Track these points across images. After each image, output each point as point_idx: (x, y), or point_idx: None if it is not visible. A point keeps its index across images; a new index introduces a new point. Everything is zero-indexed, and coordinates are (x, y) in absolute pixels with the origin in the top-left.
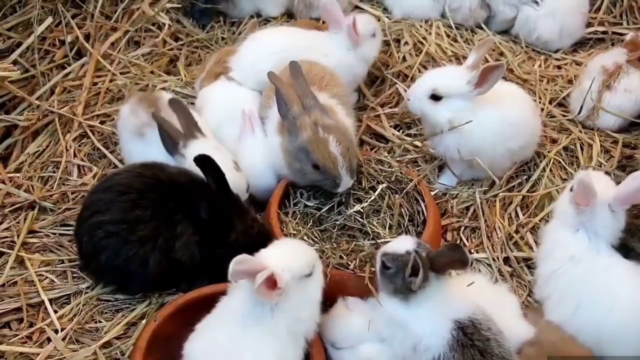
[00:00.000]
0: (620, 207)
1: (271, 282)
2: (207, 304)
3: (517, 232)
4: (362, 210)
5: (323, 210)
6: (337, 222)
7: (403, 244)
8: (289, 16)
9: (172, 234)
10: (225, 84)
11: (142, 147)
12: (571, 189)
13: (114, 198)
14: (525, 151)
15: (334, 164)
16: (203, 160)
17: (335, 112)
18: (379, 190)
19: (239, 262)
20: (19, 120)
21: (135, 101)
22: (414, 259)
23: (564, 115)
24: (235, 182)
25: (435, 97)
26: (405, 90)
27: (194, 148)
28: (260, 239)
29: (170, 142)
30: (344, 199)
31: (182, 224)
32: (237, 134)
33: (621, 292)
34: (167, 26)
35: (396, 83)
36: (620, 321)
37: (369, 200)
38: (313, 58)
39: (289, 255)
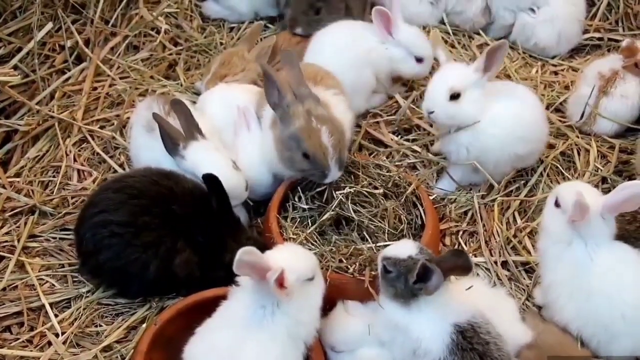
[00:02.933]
0: (610, 215)
1: (278, 281)
2: (207, 308)
3: (515, 236)
4: (351, 192)
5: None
6: (332, 213)
7: (404, 248)
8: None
9: (174, 247)
10: (224, 89)
11: (150, 142)
12: (556, 204)
13: (125, 200)
14: (529, 158)
15: (324, 154)
16: (210, 179)
17: (330, 106)
18: (380, 190)
19: (246, 253)
20: (19, 125)
21: (153, 98)
22: (423, 266)
23: (561, 121)
24: (234, 180)
25: (454, 96)
26: (405, 99)
27: (194, 150)
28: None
29: (171, 143)
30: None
31: (182, 241)
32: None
33: (627, 280)
34: (164, 30)
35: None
36: (628, 311)
37: (359, 187)
38: None
39: (293, 258)
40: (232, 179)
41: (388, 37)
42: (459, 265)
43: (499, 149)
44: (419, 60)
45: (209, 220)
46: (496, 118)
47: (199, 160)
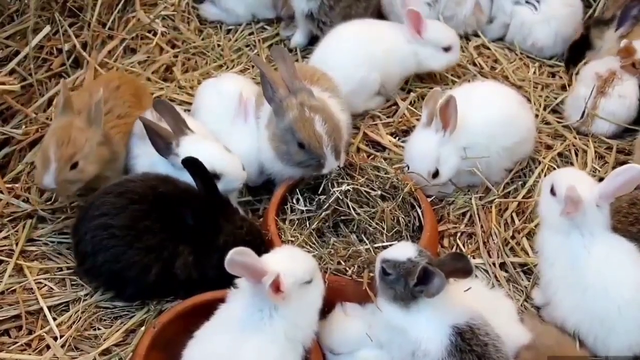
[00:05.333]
0: (606, 203)
1: (274, 286)
2: (205, 311)
3: (513, 237)
4: (349, 189)
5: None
6: (328, 211)
7: (404, 250)
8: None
9: (175, 251)
10: (222, 80)
11: (145, 149)
12: (551, 192)
13: (126, 204)
14: (522, 147)
15: (319, 142)
16: (190, 163)
17: (325, 100)
18: (377, 192)
19: (238, 253)
20: (17, 133)
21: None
22: (425, 269)
23: (558, 122)
24: (231, 161)
25: (435, 174)
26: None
27: (187, 145)
28: (250, 238)
29: (162, 143)
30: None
31: (184, 244)
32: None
33: (623, 275)
34: (160, 33)
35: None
36: (624, 303)
37: (356, 184)
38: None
39: (290, 261)
40: (229, 161)
41: (417, 37)
42: (459, 268)
43: (484, 152)
44: (447, 49)
45: (198, 204)
46: (469, 129)
47: (193, 152)
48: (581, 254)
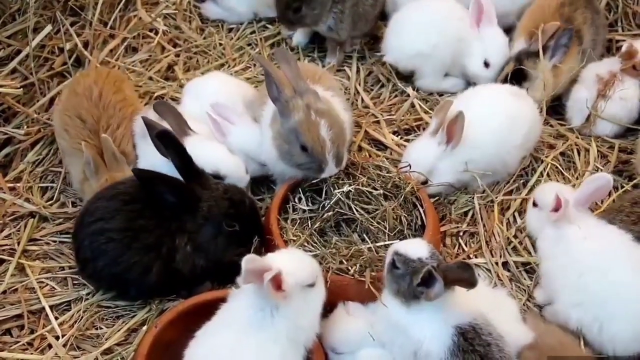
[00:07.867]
0: (582, 208)
1: (276, 284)
2: (207, 310)
3: (515, 236)
4: (351, 190)
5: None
6: (330, 212)
7: (417, 249)
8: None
9: (173, 245)
10: (215, 77)
11: (147, 149)
12: (534, 204)
13: (120, 207)
14: (533, 134)
15: (322, 147)
16: (163, 135)
17: (330, 103)
18: (380, 191)
19: (249, 261)
20: (19, 134)
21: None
22: (429, 272)
23: (561, 124)
24: (234, 164)
25: (424, 183)
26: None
27: (189, 145)
28: (229, 196)
29: None
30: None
31: (179, 236)
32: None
33: (617, 257)
34: (161, 32)
35: (396, 90)
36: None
37: (357, 183)
38: None
39: (293, 263)
40: (233, 162)
41: (475, 27)
42: (464, 278)
43: (496, 154)
44: (486, 64)
45: (174, 180)
46: (477, 143)
47: (197, 153)
48: (574, 238)
